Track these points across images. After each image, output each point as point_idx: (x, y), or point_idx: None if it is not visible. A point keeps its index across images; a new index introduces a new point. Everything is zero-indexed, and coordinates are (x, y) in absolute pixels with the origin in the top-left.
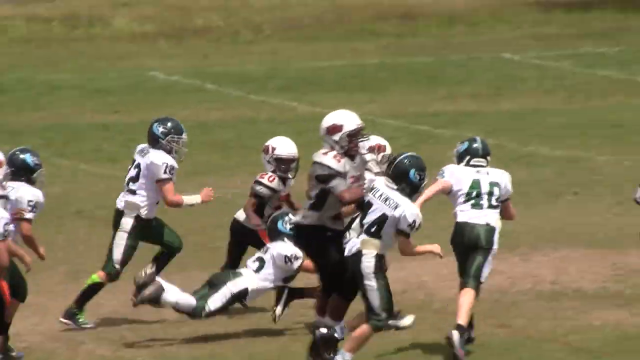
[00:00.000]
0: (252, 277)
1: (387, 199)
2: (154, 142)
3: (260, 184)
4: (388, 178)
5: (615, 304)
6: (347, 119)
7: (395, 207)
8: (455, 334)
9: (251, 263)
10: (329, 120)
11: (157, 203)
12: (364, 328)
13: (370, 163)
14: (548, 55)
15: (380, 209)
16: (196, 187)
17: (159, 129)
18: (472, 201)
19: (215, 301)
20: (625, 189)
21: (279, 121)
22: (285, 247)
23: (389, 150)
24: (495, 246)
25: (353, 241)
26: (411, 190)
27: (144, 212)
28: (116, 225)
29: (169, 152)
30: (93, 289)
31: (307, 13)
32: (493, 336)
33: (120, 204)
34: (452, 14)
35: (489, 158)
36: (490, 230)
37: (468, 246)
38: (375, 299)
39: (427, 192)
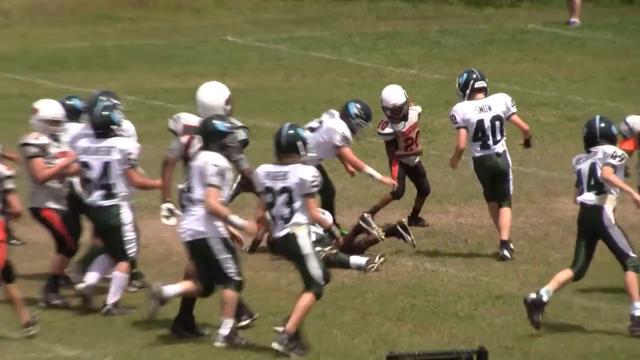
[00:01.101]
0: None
1: (586, 156)
2: (344, 116)
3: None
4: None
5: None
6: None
7: (595, 154)
8: None
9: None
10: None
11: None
12: (568, 273)
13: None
14: (267, 38)
15: (585, 163)
16: None
17: (353, 109)
18: (480, 141)
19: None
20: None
21: (29, 96)
22: None
23: None
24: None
25: (587, 195)
26: (612, 143)
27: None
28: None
29: (352, 130)
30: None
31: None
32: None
33: None
34: (179, 1)
35: (486, 80)
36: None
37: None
38: (619, 242)
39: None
